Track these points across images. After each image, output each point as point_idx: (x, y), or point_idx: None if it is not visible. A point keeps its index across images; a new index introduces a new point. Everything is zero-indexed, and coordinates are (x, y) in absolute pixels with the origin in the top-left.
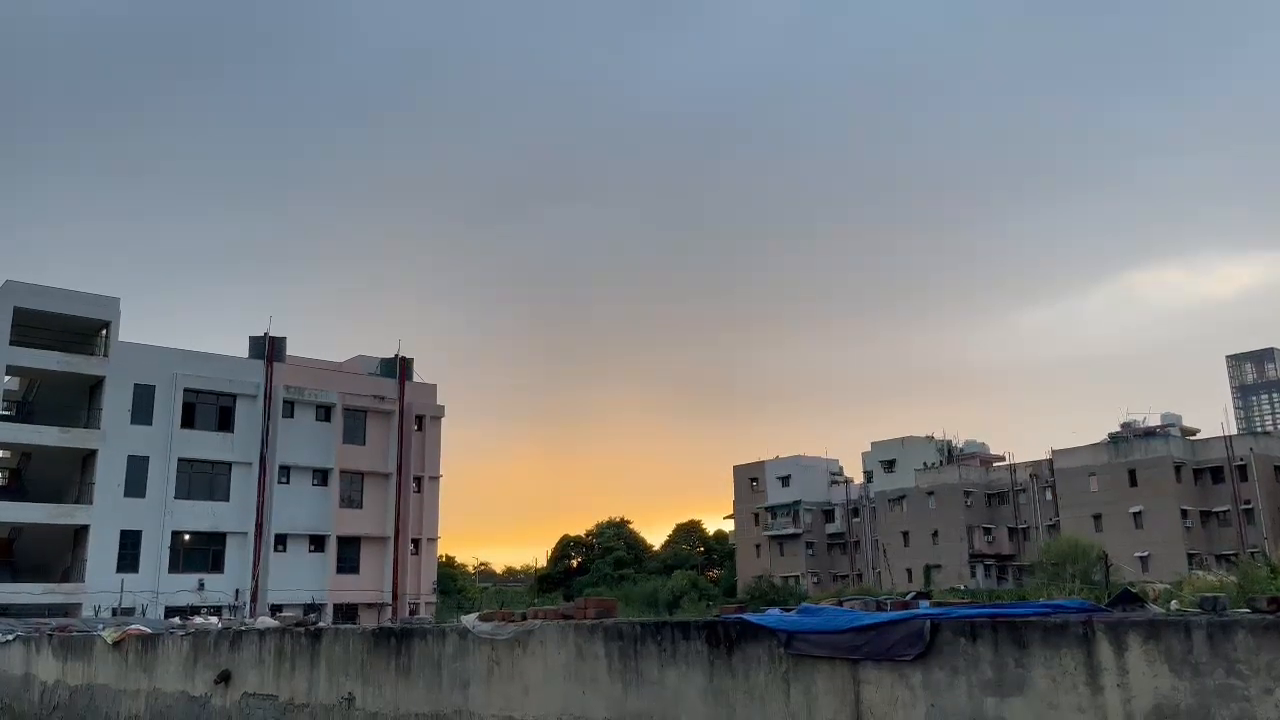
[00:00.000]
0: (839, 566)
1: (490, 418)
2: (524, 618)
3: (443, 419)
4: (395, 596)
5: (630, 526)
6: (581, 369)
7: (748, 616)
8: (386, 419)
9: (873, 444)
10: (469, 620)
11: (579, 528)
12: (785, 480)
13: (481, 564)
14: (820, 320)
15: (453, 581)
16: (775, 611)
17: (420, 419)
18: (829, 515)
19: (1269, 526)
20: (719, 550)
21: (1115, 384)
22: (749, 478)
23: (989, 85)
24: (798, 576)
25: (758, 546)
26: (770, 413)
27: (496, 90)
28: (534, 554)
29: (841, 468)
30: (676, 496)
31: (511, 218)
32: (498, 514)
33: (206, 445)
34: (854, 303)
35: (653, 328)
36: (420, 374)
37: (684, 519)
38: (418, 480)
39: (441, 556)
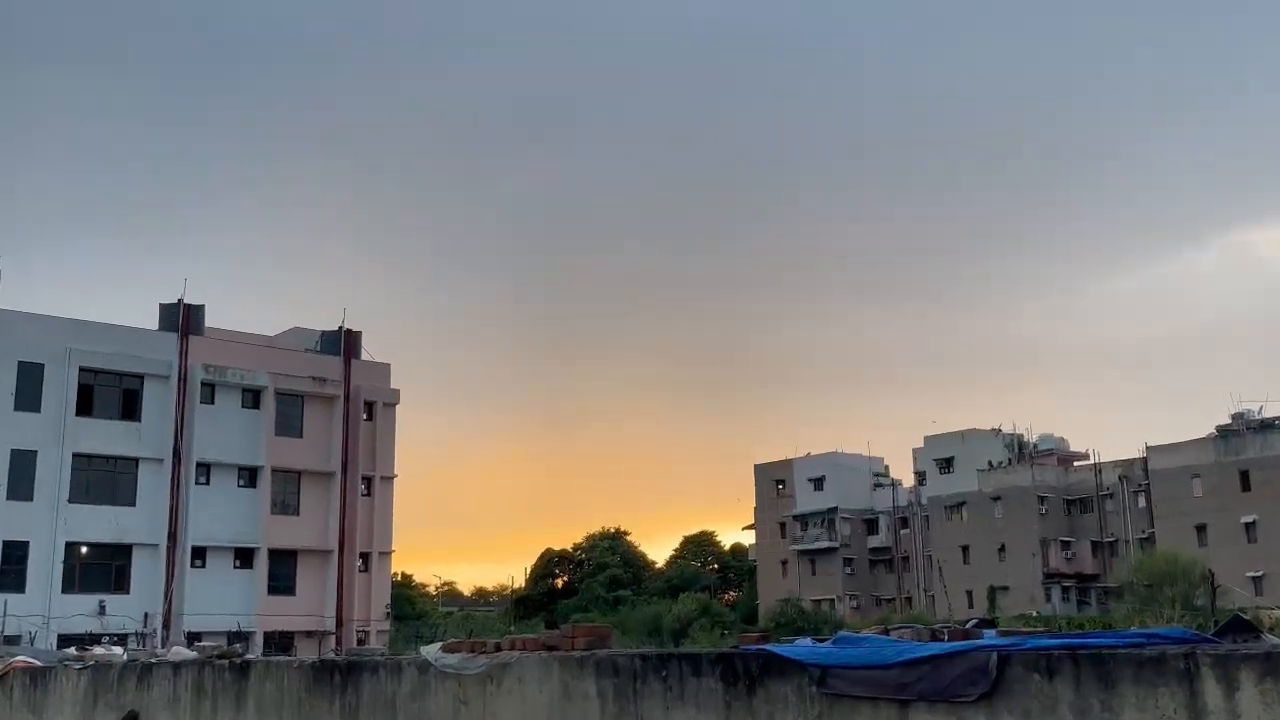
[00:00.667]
0: (883, 588)
1: (457, 406)
2: (498, 648)
3: (397, 406)
4: (340, 623)
5: (628, 539)
6: (570, 348)
7: (772, 648)
8: (329, 406)
9: (926, 439)
10: (430, 651)
11: (565, 540)
12: (818, 483)
13: (445, 584)
14: (862, 288)
15: (410, 605)
16: (806, 642)
17: (370, 406)
18: (871, 525)
19: None
20: (736, 568)
21: (1225, 366)
22: (774, 480)
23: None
24: (833, 600)
25: (784, 563)
26: (800, 401)
27: (466, 13)
28: (510, 572)
29: (887, 467)
30: (685, 503)
31: (485, 165)
32: (466, 524)
33: (108, 437)
34: (904, 268)
35: (658, 298)
36: (370, 351)
37: (694, 530)
38: (367, 481)
39: (396, 575)
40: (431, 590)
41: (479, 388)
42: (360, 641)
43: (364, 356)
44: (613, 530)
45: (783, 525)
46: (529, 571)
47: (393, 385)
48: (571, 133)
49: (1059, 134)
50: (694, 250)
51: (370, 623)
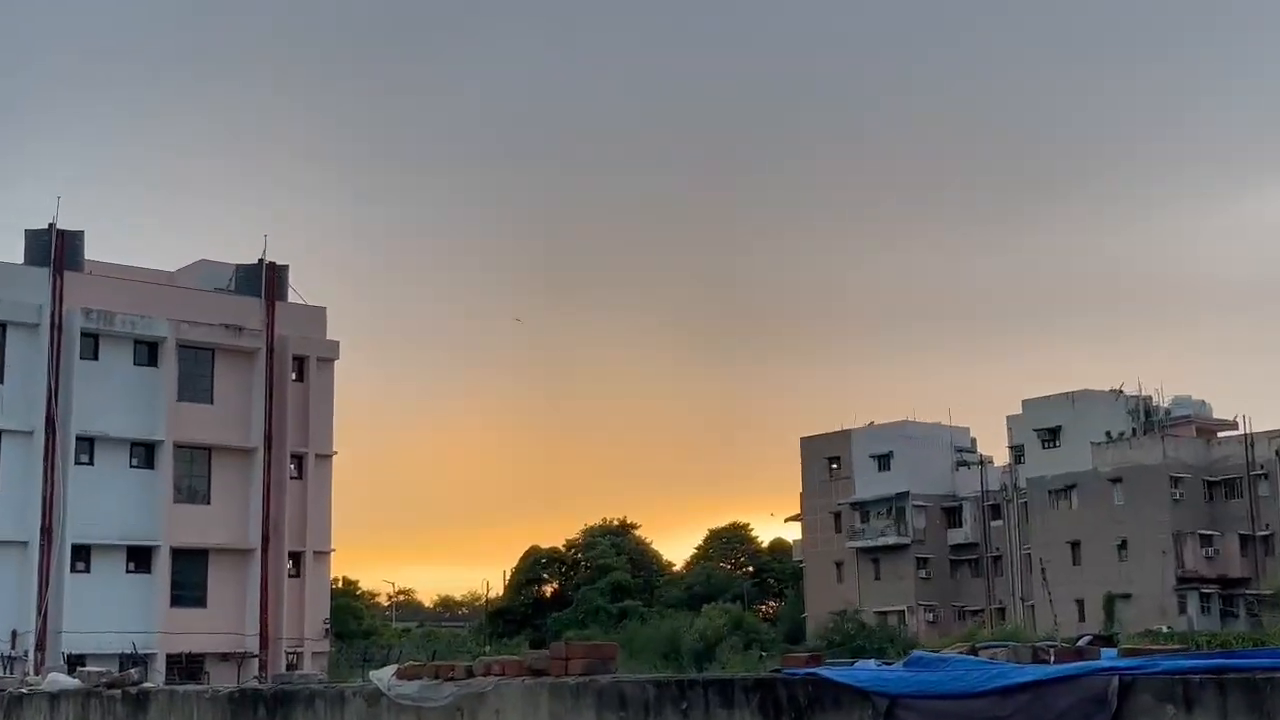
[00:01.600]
0: (968, 595)
1: (414, 364)
2: (469, 674)
3: (336, 362)
4: (265, 642)
5: (636, 534)
6: (560, 288)
7: (825, 672)
8: (247, 363)
9: (1024, 403)
10: (382, 678)
11: (555, 536)
12: (884, 460)
13: (401, 593)
14: (943, 210)
15: (356, 620)
16: (869, 664)
17: (301, 363)
18: (953, 516)
19: None
20: (777, 571)
21: None
22: (825, 457)
23: None
24: (902, 612)
25: (839, 565)
26: (859, 354)
27: None
28: (484, 577)
29: (974, 440)
30: (709, 488)
31: (446, 51)
32: (426, 516)
33: None
34: (993, 186)
35: (672, 223)
36: (300, 291)
37: (721, 523)
38: (298, 460)
39: (337, 581)
40: (383, 601)
41: (442, 340)
42: (291, 665)
43: (292, 298)
44: (616, 523)
45: (837, 516)
46: (508, 577)
47: (330, 336)
48: (560, 6)
49: (1187, 45)
50: (720, 161)
51: (304, 642)
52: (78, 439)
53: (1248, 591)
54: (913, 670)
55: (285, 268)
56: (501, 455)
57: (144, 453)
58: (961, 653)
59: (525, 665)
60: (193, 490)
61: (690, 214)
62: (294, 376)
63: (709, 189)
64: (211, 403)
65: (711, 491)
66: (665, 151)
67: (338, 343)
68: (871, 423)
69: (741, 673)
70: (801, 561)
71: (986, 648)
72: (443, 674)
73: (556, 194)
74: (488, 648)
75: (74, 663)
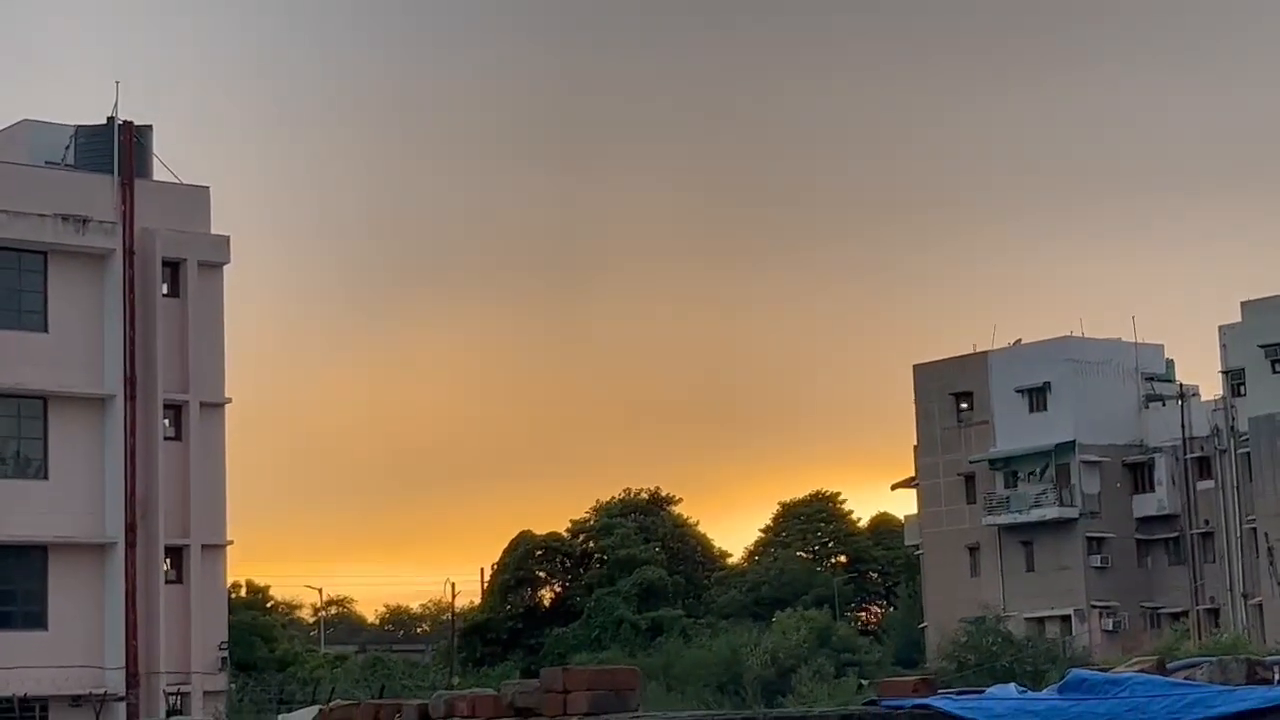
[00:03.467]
0: (1164, 592)
1: (345, 271)
2: (425, 715)
3: (226, 268)
4: (134, 678)
5: (674, 512)
6: (559, 163)
7: (941, 704)
8: (96, 271)
9: (1245, 307)
10: None
11: (556, 516)
12: (1037, 396)
13: (333, 603)
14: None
15: (268, 643)
16: (1007, 690)
17: (175, 271)
18: (1140, 476)
19: None
20: (881, 562)
21: None
22: (951, 393)
23: None
24: (1067, 616)
25: (973, 551)
26: (992, 240)
27: None
28: (452, 577)
29: (1170, 362)
30: (779, 444)
31: None
32: (369, 491)
33: None
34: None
35: (707, 70)
36: (171, 165)
37: (798, 493)
38: (175, 413)
39: (238, 587)
40: (306, 615)
41: (383, 237)
42: (174, 711)
43: (159, 174)
44: (645, 496)
45: (969, 480)
46: (488, 577)
47: (216, 230)
48: None
49: None
50: None
51: (191, 677)
52: None
53: None
54: (1070, 698)
55: (147, 130)
56: (475, 401)
57: None
58: (1143, 671)
59: (505, 702)
60: (22, 459)
61: (732, 61)
62: (165, 290)
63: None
64: (45, 330)
65: (784, 449)
66: None
67: (227, 239)
68: (1018, 340)
69: (823, 708)
70: (918, 547)
71: (1181, 666)
72: (385, 718)
73: (549, 31)
74: (456, 679)
75: None
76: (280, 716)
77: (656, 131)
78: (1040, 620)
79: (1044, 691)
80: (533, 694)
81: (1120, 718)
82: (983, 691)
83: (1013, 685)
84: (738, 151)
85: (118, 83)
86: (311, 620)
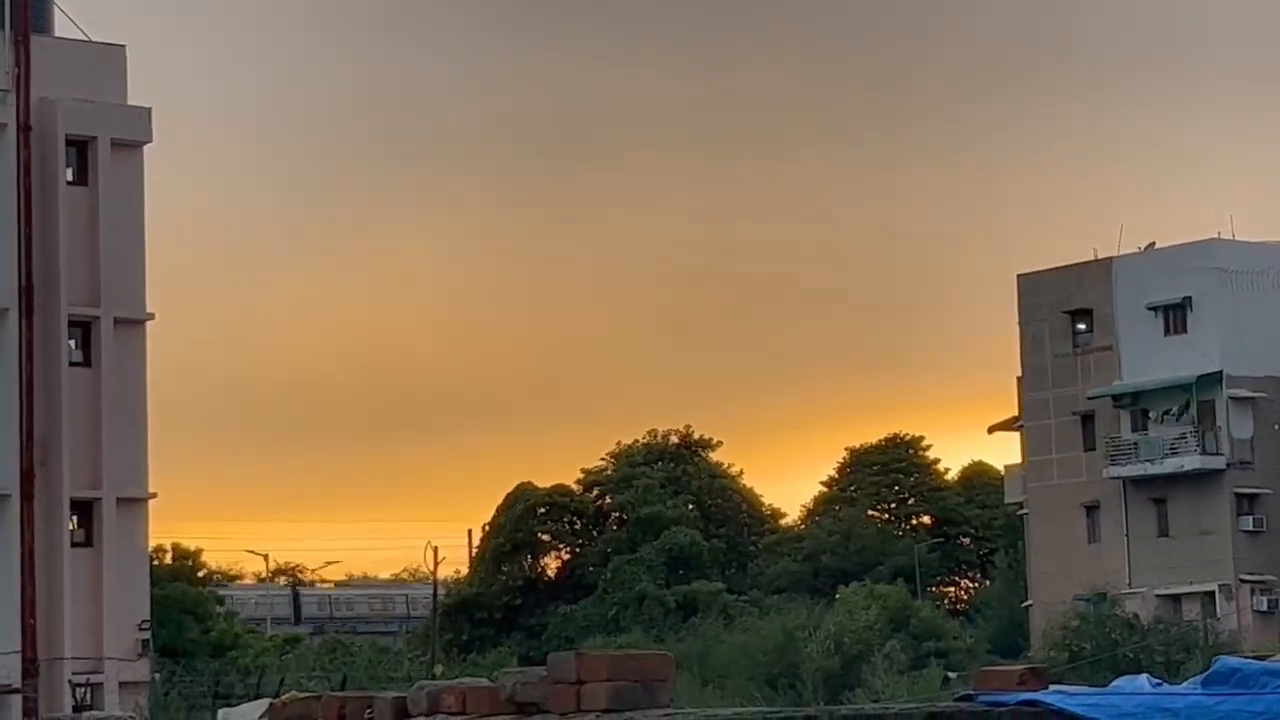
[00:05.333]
0: None
1: (293, 154)
2: (403, 711)
3: (147, 148)
4: (30, 664)
5: (709, 456)
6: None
7: (1055, 700)
8: None
9: None
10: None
11: (563, 466)
12: (1175, 314)
13: (282, 572)
14: None
15: (201, 622)
16: (1138, 683)
17: (82, 150)
18: None
19: None
20: (975, 523)
21: None
22: (1065, 311)
23: None
24: (1212, 594)
25: (1091, 511)
26: (1117, 123)
27: None
28: (433, 540)
29: None
30: (846, 377)
31: None
32: (326, 430)
33: None
34: None
35: None
36: (77, 18)
37: (870, 437)
38: (83, 331)
39: (162, 552)
40: (247, 580)
41: (349, 119)
42: (82, 707)
43: (61, 29)
44: (674, 439)
45: (1087, 420)
46: (478, 541)
47: (133, 100)
48: None
49: None
50: None
51: (105, 664)
52: None
53: None
54: (1217, 693)
55: None
56: (461, 322)
57: None
58: None
59: (504, 696)
60: None
61: None
62: (70, 177)
63: None
64: None
65: (850, 382)
66: None
67: (148, 112)
68: (1151, 244)
69: (903, 702)
70: (1021, 506)
71: None
72: (353, 714)
73: None
74: (438, 668)
75: None
76: (220, 712)
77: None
78: (1175, 598)
79: (1184, 685)
80: (538, 685)
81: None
82: (1110, 684)
83: (1144, 677)
84: (783, 30)
85: None
86: (256, 580)
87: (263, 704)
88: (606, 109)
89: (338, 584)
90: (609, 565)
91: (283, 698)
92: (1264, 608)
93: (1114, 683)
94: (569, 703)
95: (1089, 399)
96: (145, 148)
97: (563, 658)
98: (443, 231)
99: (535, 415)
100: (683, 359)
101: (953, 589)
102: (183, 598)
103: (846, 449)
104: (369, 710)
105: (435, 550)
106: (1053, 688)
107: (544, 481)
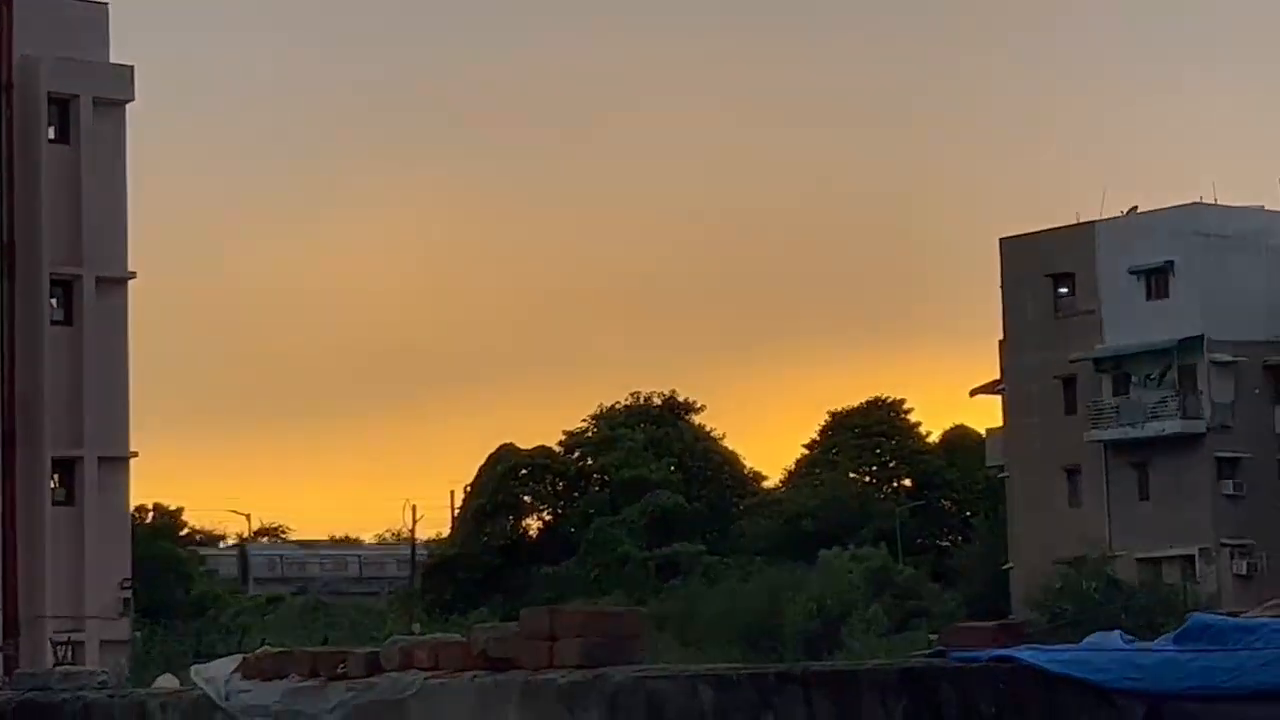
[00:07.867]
0: None
1: (278, 112)
2: (374, 668)
3: (129, 106)
4: (11, 622)
5: (692, 419)
6: None
7: (1028, 655)
8: None
9: None
10: (215, 677)
11: (545, 427)
12: (1156, 278)
13: (265, 532)
14: None
15: (183, 581)
16: (1111, 639)
17: (64, 109)
18: None
19: None
20: (956, 487)
21: None
22: (1048, 274)
23: None
24: (1192, 557)
25: (1072, 474)
26: (1103, 83)
27: None
28: (413, 499)
29: None
30: (827, 335)
31: None
32: (307, 390)
33: None
34: None
35: None
36: None
37: (852, 400)
38: (65, 290)
39: (144, 511)
40: (228, 540)
41: (332, 74)
42: (62, 660)
43: None
44: (657, 401)
45: (1069, 384)
46: (460, 501)
47: (116, 58)
48: None
49: None
50: None
51: (86, 623)
52: None
53: None
54: (1189, 649)
55: None
56: (443, 281)
57: None
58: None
59: (476, 651)
60: None
61: None
62: (52, 135)
63: None
64: None
65: (833, 344)
66: None
67: (131, 70)
68: (1134, 208)
69: (879, 660)
70: (1003, 469)
71: None
72: (325, 669)
73: None
74: (417, 626)
75: None
76: (194, 667)
77: None
78: (1156, 561)
79: (1157, 642)
80: (510, 641)
81: (1253, 673)
82: (1082, 641)
83: (1117, 633)
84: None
85: None
86: (234, 550)
87: (236, 659)
88: (586, 69)
89: (297, 544)
90: (591, 527)
91: (255, 653)
92: (1243, 571)
93: (1087, 639)
94: (541, 658)
95: (1070, 362)
96: (127, 106)
97: (535, 613)
98: (426, 194)
99: (517, 377)
100: (664, 322)
101: (933, 552)
102: (164, 557)
103: (828, 412)
104: (343, 664)
105: (414, 509)
106: (1027, 646)
107: (525, 443)
